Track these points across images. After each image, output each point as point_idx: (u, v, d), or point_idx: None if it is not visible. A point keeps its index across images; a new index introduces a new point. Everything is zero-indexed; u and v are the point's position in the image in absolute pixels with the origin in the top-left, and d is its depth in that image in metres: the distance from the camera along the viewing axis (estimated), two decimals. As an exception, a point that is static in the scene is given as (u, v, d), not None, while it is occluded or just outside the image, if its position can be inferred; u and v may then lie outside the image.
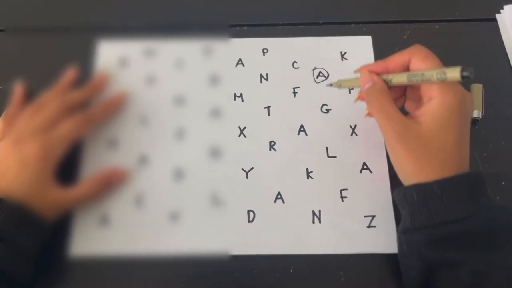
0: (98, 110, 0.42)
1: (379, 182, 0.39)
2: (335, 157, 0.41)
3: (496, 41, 0.46)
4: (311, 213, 0.38)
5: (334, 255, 0.37)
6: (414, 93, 0.37)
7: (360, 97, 0.39)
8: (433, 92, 0.34)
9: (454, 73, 0.31)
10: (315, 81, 0.44)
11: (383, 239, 0.37)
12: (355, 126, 0.42)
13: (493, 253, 0.31)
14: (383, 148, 0.40)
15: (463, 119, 0.34)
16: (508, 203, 0.38)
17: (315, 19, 0.47)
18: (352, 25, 0.47)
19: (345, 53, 0.45)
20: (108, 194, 0.39)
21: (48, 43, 0.47)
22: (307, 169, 0.40)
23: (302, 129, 0.42)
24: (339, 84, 0.40)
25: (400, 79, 0.35)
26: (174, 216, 0.38)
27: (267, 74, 0.45)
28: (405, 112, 0.37)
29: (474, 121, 0.41)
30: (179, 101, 0.43)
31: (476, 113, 0.41)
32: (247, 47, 0.46)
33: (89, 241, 0.38)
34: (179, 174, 0.40)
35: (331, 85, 0.41)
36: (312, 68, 0.45)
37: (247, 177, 0.40)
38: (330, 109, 0.43)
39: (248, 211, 0.38)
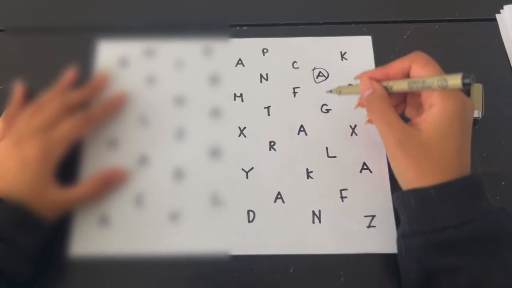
0: (98, 110, 0.42)
1: (379, 182, 0.39)
2: (335, 157, 0.41)
3: (496, 41, 0.46)
4: (311, 213, 0.38)
5: (334, 255, 0.37)
6: (415, 100, 0.37)
7: (360, 104, 0.39)
8: (434, 99, 0.33)
9: (455, 80, 0.31)
10: (315, 81, 0.44)
11: (383, 239, 0.37)
12: (355, 126, 0.42)
13: (492, 258, 0.31)
14: (383, 148, 0.40)
15: (464, 126, 0.33)
16: (508, 203, 0.38)
17: (315, 19, 0.47)
18: (352, 25, 0.47)
19: (345, 53, 0.45)
20: (108, 194, 0.39)
21: (48, 43, 0.47)
22: (307, 169, 0.40)
23: (302, 129, 0.42)
24: (339, 91, 0.40)
25: (400, 86, 0.35)
26: (174, 216, 0.38)
27: (267, 74, 0.45)
28: (405, 118, 0.37)
29: (474, 121, 0.41)
30: (179, 101, 0.43)
31: (476, 113, 0.41)
32: (247, 47, 0.46)
33: (89, 241, 0.38)
34: (179, 174, 0.40)
35: (330, 91, 0.41)
36: (312, 68, 0.45)
37: (247, 177, 0.40)
38: (330, 109, 0.43)
39: (248, 211, 0.38)
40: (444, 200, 0.32)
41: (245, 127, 0.42)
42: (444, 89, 0.32)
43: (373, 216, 0.38)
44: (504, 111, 0.42)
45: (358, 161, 0.40)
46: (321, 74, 0.45)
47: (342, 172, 0.40)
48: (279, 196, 0.39)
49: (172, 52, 0.46)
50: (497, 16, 0.47)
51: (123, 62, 0.45)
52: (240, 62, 0.45)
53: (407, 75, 0.36)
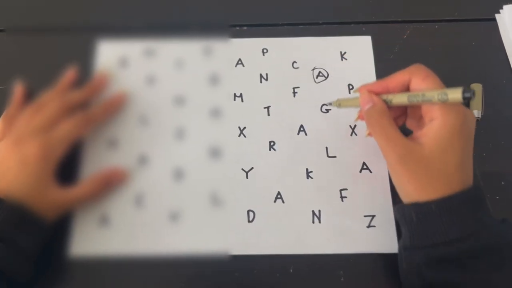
0: (98, 110, 0.42)
1: (379, 182, 0.39)
2: (335, 157, 0.41)
3: (495, 41, 0.46)
4: (311, 213, 0.38)
5: (334, 255, 0.37)
6: (415, 111, 0.36)
7: (360, 117, 0.38)
8: (435, 113, 0.33)
9: (455, 94, 0.30)
10: (315, 81, 0.44)
11: (382, 239, 0.37)
12: (355, 126, 0.42)
13: (494, 272, 0.31)
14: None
15: (465, 140, 0.33)
16: (508, 203, 0.38)
17: (314, 19, 0.47)
18: (352, 25, 0.47)
19: (345, 53, 0.45)
20: (108, 194, 0.39)
21: (48, 43, 0.47)
22: (307, 169, 0.40)
23: (302, 129, 0.42)
24: (339, 104, 0.40)
25: (400, 99, 0.34)
26: (174, 216, 0.39)
27: (267, 74, 0.45)
28: (406, 130, 0.37)
29: (474, 121, 0.41)
30: (179, 101, 0.43)
31: (476, 113, 0.41)
32: (247, 47, 0.46)
33: (89, 241, 0.38)
34: (179, 174, 0.40)
35: (330, 104, 0.41)
36: (312, 68, 0.45)
37: (247, 177, 0.40)
38: (330, 109, 0.43)
39: (248, 211, 0.38)
40: (445, 214, 0.31)
41: (245, 127, 0.42)
42: (445, 103, 0.32)
43: (373, 216, 0.38)
44: (504, 111, 0.42)
45: (358, 161, 0.40)
46: (321, 74, 0.45)
47: (342, 172, 0.40)
48: (279, 196, 0.39)
49: (172, 52, 0.46)
50: (497, 16, 0.47)
51: (123, 62, 0.45)
52: (240, 62, 0.45)
53: (407, 88, 0.35)
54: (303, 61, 0.45)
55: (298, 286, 0.36)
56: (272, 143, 0.41)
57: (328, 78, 0.44)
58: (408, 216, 0.33)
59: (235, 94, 0.44)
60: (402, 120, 0.38)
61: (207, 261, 0.37)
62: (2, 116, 0.40)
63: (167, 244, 0.37)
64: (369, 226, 0.38)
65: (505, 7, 0.47)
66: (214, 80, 0.44)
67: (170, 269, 0.37)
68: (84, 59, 0.45)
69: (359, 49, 0.46)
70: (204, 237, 0.38)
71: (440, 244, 0.31)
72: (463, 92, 0.30)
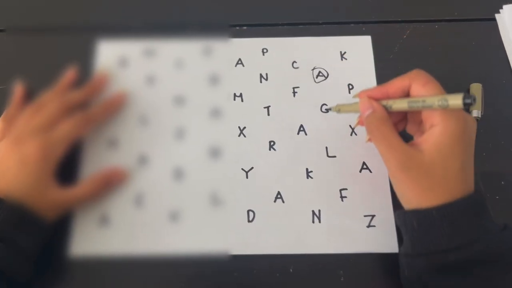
0: (98, 110, 0.42)
1: (379, 181, 0.39)
2: (334, 156, 0.41)
3: (495, 41, 0.46)
4: (311, 212, 0.38)
5: (333, 254, 0.37)
6: (416, 116, 0.36)
7: (360, 122, 0.38)
8: (435, 119, 0.33)
9: (456, 100, 0.30)
10: (315, 81, 0.44)
11: (382, 239, 0.37)
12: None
13: (496, 279, 0.30)
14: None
15: (466, 146, 0.33)
16: (508, 203, 0.38)
17: (314, 19, 0.47)
18: (352, 25, 0.47)
19: (345, 53, 0.45)
20: (108, 194, 0.39)
21: (48, 43, 0.47)
22: (306, 169, 0.40)
23: (301, 128, 0.42)
24: (338, 109, 0.40)
25: (400, 105, 0.34)
26: (174, 216, 0.39)
27: (266, 74, 0.45)
28: (406, 135, 0.37)
29: (474, 121, 0.41)
30: (179, 101, 0.43)
31: (476, 113, 0.41)
32: (247, 47, 0.46)
33: (89, 241, 0.38)
34: (179, 174, 0.40)
35: (329, 109, 0.41)
36: (312, 68, 0.45)
37: (247, 177, 0.40)
38: (330, 109, 0.43)
39: (248, 211, 0.39)
40: (446, 221, 0.31)
41: (245, 127, 0.42)
42: (445, 109, 0.31)
43: (373, 216, 0.38)
44: (504, 111, 0.42)
45: (357, 161, 0.40)
46: (320, 74, 0.45)
47: (341, 172, 0.40)
48: (279, 196, 0.39)
49: (172, 52, 0.46)
50: (497, 15, 0.47)
51: (123, 62, 0.45)
52: (240, 62, 0.45)
53: (407, 94, 0.35)
54: (303, 61, 0.45)
55: (298, 286, 0.36)
56: (272, 143, 0.41)
57: (328, 78, 0.44)
58: (409, 223, 0.33)
59: (235, 94, 0.44)
60: (403, 125, 0.38)
61: (207, 261, 0.37)
62: (2, 116, 0.40)
63: (167, 244, 0.38)
64: (369, 226, 0.38)
65: (505, 7, 0.47)
66: (214, 80, 0.44)
67: (170, 269, 0.37)
68: (84, 59, 0.45)
69: (359, 49, 0.46)
70: (204, 237, 0.38)
71: (442, 251, 0.31)
72: (464, 98, 0.29)
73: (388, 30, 0.47)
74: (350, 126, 0.42)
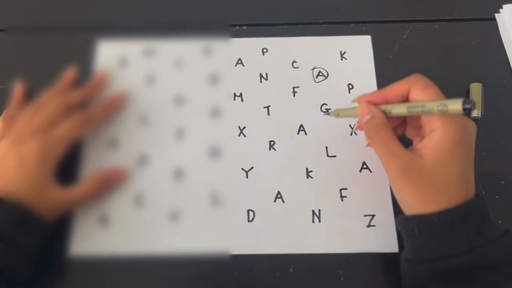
0: (98, 110, 0.42)
1: (379, 181, 0.39)
2: (334, 156, 0.41)
3: (495, 41, 0.46)
4: (311, 212, 0.38)
5: (334, 254, 0.37)
6: (415, 120, 0.36)
7: (359, 127, 0.38)
8: (435, 124, 0.32)
9: (455, 105, 0.30)
10: (315, 81, 0.44)
11: (382, 238, 0.37)
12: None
13: (497, 286, 0.30)
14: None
15: (466, 151, 0.33)
16: (508, 203, 0.38)
17: (314, 19, 0.47)
18: (352, 24, 0.47)
19: (345, 52, 0.45)
20: (108, 194, 0.39)
21: (48, 43, 0.47)
22: (306, 169, 0.40)
23: (301, 128, 0.42)
24: (337, 114, 0.39)
25: (399, 110, 0.34)
26: (174, 216, 0.39)
27: (266, 74, 0.45)
28: (406, 139, 0.37)
29: (474, 121, 0.41)
30: (179, 101, 0.43)
31: (476, 113, 0.41)
32: (247, 46, 0.46)
33: (89, 241, 0.38)
34: (179, 174, 0.40)
35: (328, 113, 0.41)
36: (312, 68, 0.45)
37: (247, 177, 0.40)
38: (330, 109, 0.43)
39: (248, 211, 0.39)
40: (447, 227, 0.31)
41: (244, 127, 0.42)
42: (445, 114, 0.31)
43: (373, 216, 0.38)
44: (504, 111, 0.42)
45: (357, 161, 0.40)
46: (320, 74, 0.45)
47: (341, 172, 0.40)
48: (279, 196, 0.39)
49: (172, 52, 0.46)
50: (497, 15, 0.47)
51: (123, 62, 0.45)
52: (239, 61, 0.45)
53: (406, 98, 0.35)
54: (303, 61, 0.45)
55: (298, 286, 0.36)
56: (272, 143, 0.41)
57: (328, 78, 0.44)
58: (409, 229, 0.33)
59: (235, 94, 0.44)
60: (402, 129, 0.37)
61: (207, 261, 0.37)
62: (2, 116, 0.40)
63: (167, 244, 0.37)
64: (369, 226, 0.38)
65: (505, 6, 0.47)
66: (214, 79, 0.44)
67: (170, 269, 0.37)
68: (84, 59, 0.45)
69: (359, 48, 0.46)
70: (204, 237, 0.38)
71: (443, 258, 0.31)
72: (464, 103, 0.29)
73: (388, 30, 0.47)
74: (350, 126, 0.42)
